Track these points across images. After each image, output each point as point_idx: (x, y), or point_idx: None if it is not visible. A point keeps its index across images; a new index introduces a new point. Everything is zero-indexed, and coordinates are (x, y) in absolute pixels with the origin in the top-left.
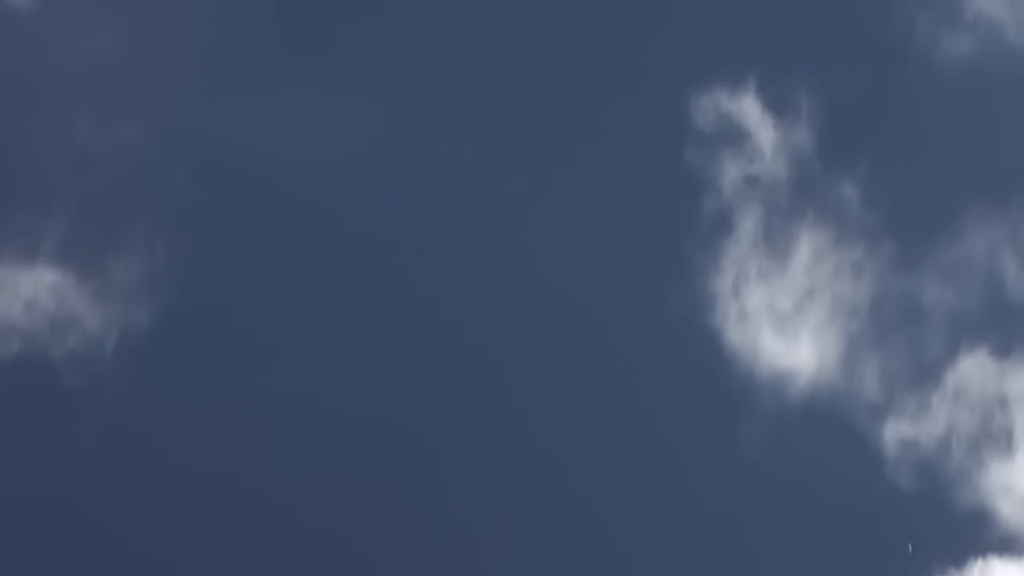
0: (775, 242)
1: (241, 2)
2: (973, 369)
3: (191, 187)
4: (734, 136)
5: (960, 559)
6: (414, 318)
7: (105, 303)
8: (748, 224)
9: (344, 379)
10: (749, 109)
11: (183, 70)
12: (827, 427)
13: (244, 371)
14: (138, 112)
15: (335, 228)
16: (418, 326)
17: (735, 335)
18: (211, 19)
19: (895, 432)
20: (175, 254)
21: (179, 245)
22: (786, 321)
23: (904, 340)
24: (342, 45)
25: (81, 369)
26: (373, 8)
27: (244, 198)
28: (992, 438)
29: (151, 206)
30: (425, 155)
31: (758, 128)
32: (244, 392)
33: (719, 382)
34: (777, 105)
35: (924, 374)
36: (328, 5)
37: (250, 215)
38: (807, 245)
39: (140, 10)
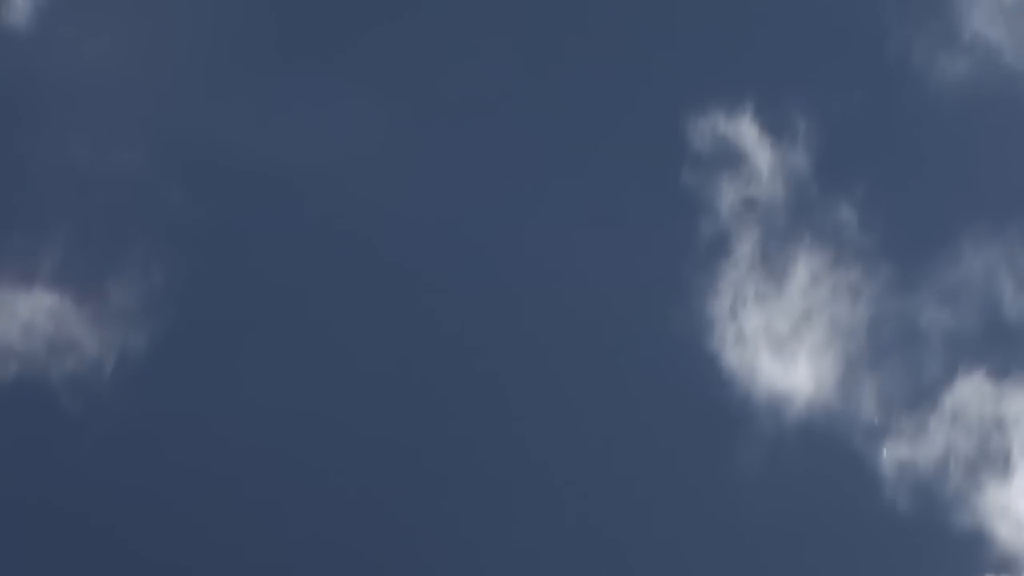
0: (772, 264)
1: (237, 24)
2: (970, 391)
3: (189, 210)
4: (731, 158)
5: None
6: (417, 343)
7: (103, 326)
8: (745, 246)
9: (346, 399)
10: (746, 131)
11: (180, 91)
12: (825, 449)
13: (243, 394)
14: (135, 134)
15: (335, 250)
16: (420, 350)
17: (733, 357)
18: (207, 40)
19: (893, 454)
20: (173, 277)
21: (177, 268)
22: (783, 343)
23: (901, 362)
24: (341, 59)
25: (79, 392)
26: (374, 17)
27: (242, 221)
28: (989, 460)
29: (149, 229)
30: (421, 173)
31: (755, 150)
32: (243, 415)
33: (717, 404)
34: (774, 127)
35: (921, 396)
36: (325, 19)
37: (248, 238)
38: (804, 267)
39: (136, 31)
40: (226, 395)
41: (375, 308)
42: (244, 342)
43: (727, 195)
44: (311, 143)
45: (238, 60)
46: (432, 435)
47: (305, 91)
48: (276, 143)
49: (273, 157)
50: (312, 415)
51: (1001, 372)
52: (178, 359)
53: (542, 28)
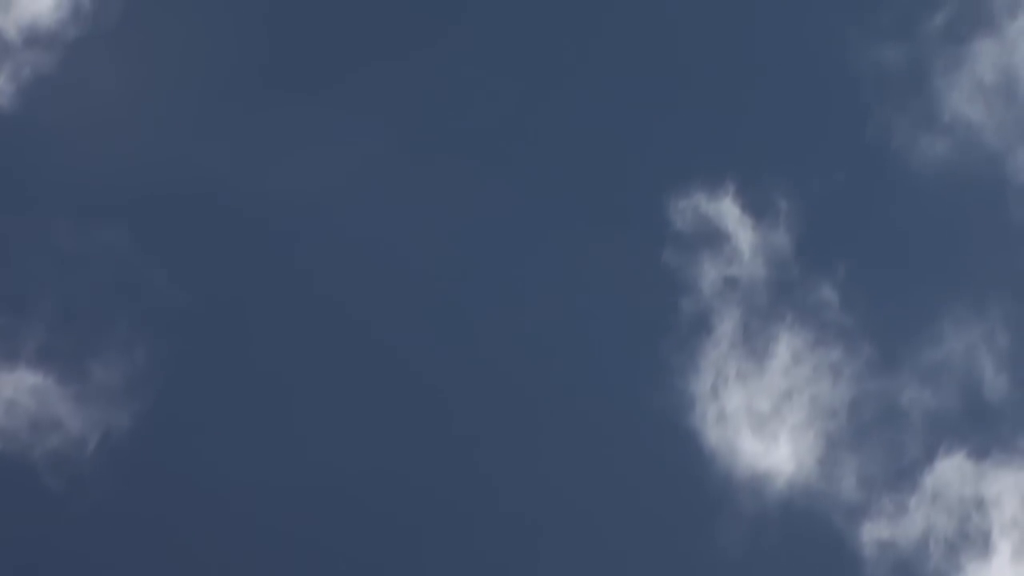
0: (754, 343)
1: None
2: (951, 471)
3: (172, 290)
4: (713, 237)
5: None
6: (400, 419)
7: (86, 405)
8: (727, 325)
9: (334, 476)
10: (728, 210)
11: (161, 173)
12: (805, 528)
13: (226, 473)
14: (117, 213)
15: (323, 329)
16: (404, 426)
17: (714, 435)
18: (186, 124)
19: (873, 534)
20: (155, 357)
21: (159, 348)
22: (765, 422)
23: (882, 442)
24: (331, 102)
25: (61, 470)
26: (365, 55)
27: (225, 301)
28: (970, 540)
29: (132, 308)
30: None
31: (737, 229)
32: (226, 494)
33: (698, 482)
34: (756, 207)
35: (902, 476)
36: (312, 61)
37: (231, 318)
38: (786, 346)
39: (117, 115)
40: (209, 474)
41: (364, 384)
42: (227, 421)
43: (708, 274)
44: (290, 227)
45: (222, 122)
46: (418, 508)
47: (295, 148)
48: (258, 223)
49: (257, 229)
50: (298, 493)
51: (981, 452)
52: (161, 439)
53: (525, 108)
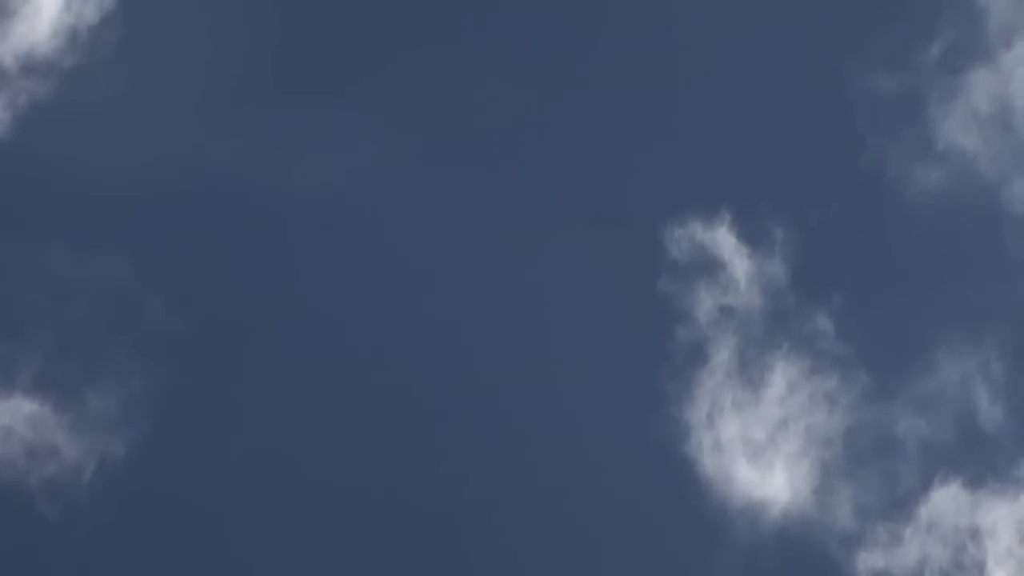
0: (749, 372)
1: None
2: (946, 501)
3: (167, 318)
4: (709, 267)
5: None
6: (400, 441)
7: (82, 433)
8: (723, 354)
9: (329, 504)
10: (724, 240)
11: (157, 201)
12: (801, 557)
13: (221, 502)
14: (113, 241)
15: (315, 358)
16: (403, 446)
17: (709, 464)
18: (182, 154)
19: (868, 563)
20: (151, 384)
21: (155, 375)
22: (760, 451)
23: (877, 471)
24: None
25: (57, 498)
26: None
27: (221, 329)
28: (964, 570)
29: (127, 337)
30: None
31: (733, 259)
32: (222, 523)
33: (693, 511)
34: (751, 236)
35: (897, 505)
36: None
37: (227, 346)
38: (781, 375)
39: (113, 143)
40: (205, 502)
41: (359, 410)
42: (222, 449)
43: (704, 303)
44: (296, 236)
45: (219, 151)
46: (414, 537)
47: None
48: (256, 239)
49: (253, 257)
50: (295, 520)
51: (976, 482)
52: (156, 466)
53: (521, 138)
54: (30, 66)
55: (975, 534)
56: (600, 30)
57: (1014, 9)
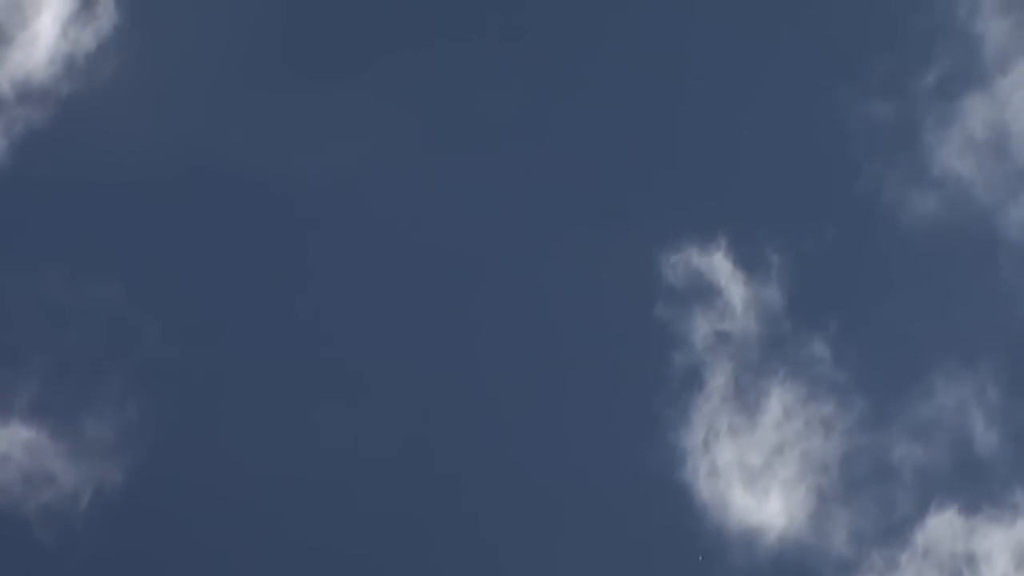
0: (746, 398)
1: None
2: (942, 527)
3: (164, 344)
4: (705, 292)
5: None
6: (400, 464)
7: (79, 460)
8: (719, 380)
9: (330, 531)
10: (720, 265)
11: (154, 225)
12: None
13: (218, 530)
14: (110, 267)
15: (313, 384)
16: (402, 469)
17: (705, 490)
18: (179, 181)
19: None
20: (148, 411)
21: (152, 402)
22: (756, 477)
23: (873, 497)
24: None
25: (54, 525)
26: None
27: (218, 355)
28: None
29: (124, 363)
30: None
31: (729, 284)
32: (219, 550)
33: (689, 537)
34: (748, 262)
35: (893, 531)
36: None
37: (224, 372)
38: (777, 401)
39: (110, 170)
40: (202, 529)
41: (356, 432)
42: (219, 476)
43: (701, 328)
44: (289, 263)
45: (213, 175)
46: (413, 560)
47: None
48: (251, 263)
49: (249, 282)
50: (294, 547)
51: (973, 508)
52: (153, 493)
53: (515, 168)
54: (27, 93)
55: (971, 560)
56: (593, 58)
57: (1010, 36)
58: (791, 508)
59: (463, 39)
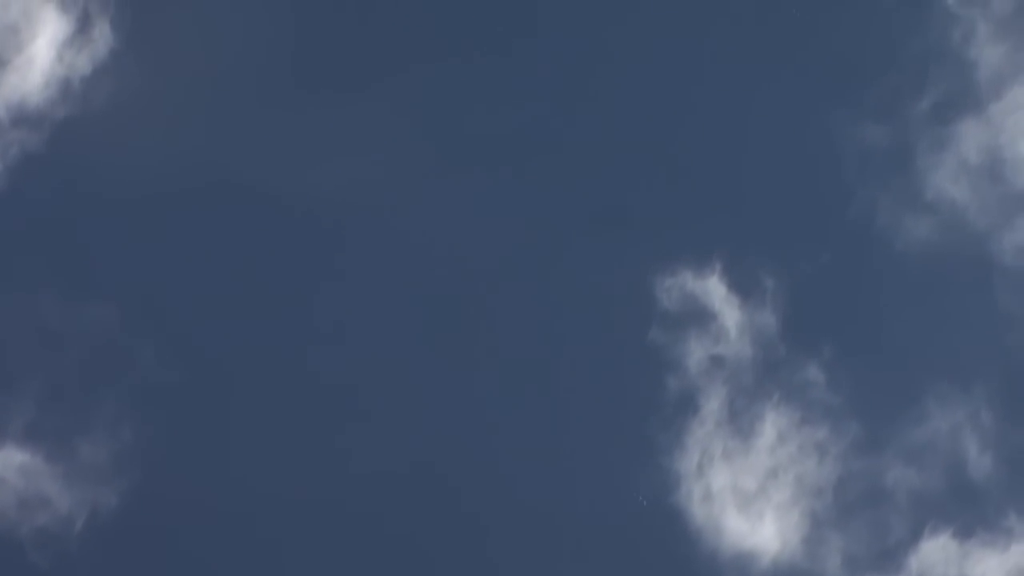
0: (740, 422)
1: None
2: (936, 551)
3: (158, 367)
4: (699, 316)
5: None
6: (396, 492)
7: (73, 483)
8: (713, 404)
9: (325, 553)
10: (714, 290)
11: (149, 249)
12: None
13: (213, 552)
14: (105, 291)
15: (307, 406)
16: (398, 496)
17: (699, 514)
18: (172, 204)
19: None
20: (143, 435)
21: (147, 426)
22: (750, 501)
23: (867, 521)
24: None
25: (49, 548)
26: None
27: (212, 378)
28: None
29: (119, 386)
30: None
31: (723, 309)
32: (214, 574)
33: (683, 561)
34: (742, 286)
35: (887, 556)
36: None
37: (219, 395)
38: (772, 425)
39: (105, 193)
40: (196, 552)
41: (350, 458)
42: (214, 499)
43: (695, 352)
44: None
45: (205, 199)
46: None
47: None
48: (243, 287)
49: (242, 304)
50: (290, 570)
51: (966, 532)
52: (148, 517)
53: (506, 192)
54: (22, 117)
55: None
56: (592, 82)
57: (1004, 61)
58: (785, 532)
59: (465, 58)
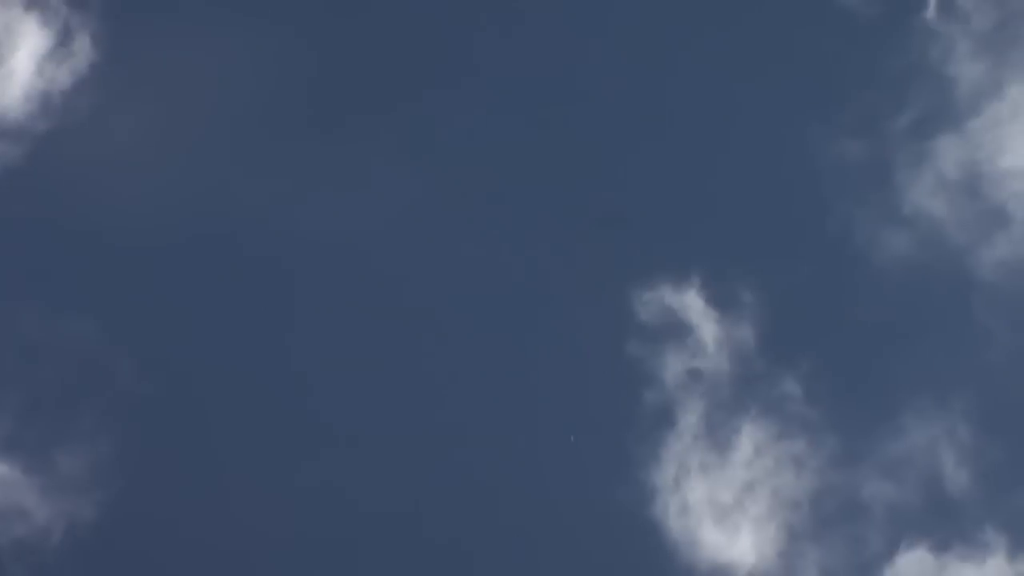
0: (717, 435)
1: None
2: (912, 565)
3: (137, 380)
4: (677, 330)
5: None
6: (376, 499)
7: (51, 495)
8: (690, 417)
9: (304, 565)
10: (692, 303)
11: (128, 261)
12: None
13: (192, 566)
14: (84, 303)
15: (283, 418)
16: (379, 504)
17: (676, 527)
18: (151, 209)
19: None
20: (121, 447)
21: (125, 438)
22: (727, 514)
23: (844, 535)
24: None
25: (26, 560)
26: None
27: (191, 391)
28: None
29: (97, 399)
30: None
31: (701, 322)
32: None
33: (660, 574)
34: (720, 300)
35: (864, 569)
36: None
37: (197, 408)
38: (748, 439)
39: (84, 207)
40: (174, 565)
41: (331, 469)
42: (192, 512)
43: (672, 366)
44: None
45: (193, 214)
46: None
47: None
48: (228, 302)
49: (223, 319)
50: None
51: (943, 546)
52: (126, 529)
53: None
54: (1, 130)
55: None
56: (569, 96)
57: (983, 78)
58: (761, 545)
59: (441, 73)
